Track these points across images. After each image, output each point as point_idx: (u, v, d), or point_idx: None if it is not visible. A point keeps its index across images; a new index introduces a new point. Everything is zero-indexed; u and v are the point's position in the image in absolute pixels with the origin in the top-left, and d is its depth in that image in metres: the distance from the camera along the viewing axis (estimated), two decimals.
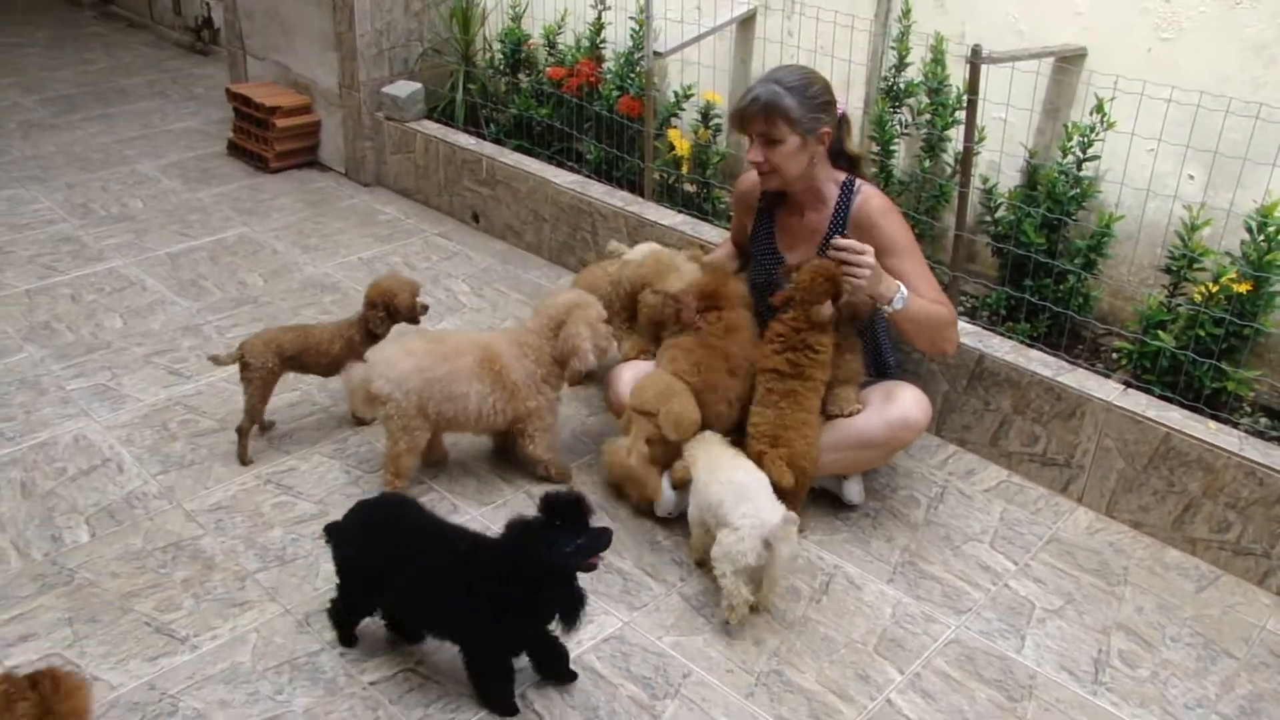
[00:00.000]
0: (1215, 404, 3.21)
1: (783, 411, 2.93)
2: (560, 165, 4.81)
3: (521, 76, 5.15)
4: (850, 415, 2.95)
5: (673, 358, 3.07)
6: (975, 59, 3.23)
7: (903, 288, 2.83)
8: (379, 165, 5.40)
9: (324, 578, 2.82)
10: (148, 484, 3.17)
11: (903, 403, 3.01)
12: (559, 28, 5.03)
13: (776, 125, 2.92)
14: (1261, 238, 3.15)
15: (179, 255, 4.60)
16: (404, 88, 5.14)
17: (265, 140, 5.46)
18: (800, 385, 2.94)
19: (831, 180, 3.10)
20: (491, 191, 4.87)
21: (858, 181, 3.10)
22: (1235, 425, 3.18)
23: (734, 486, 2.70)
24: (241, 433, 3.27)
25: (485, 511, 3.12)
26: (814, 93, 2.96)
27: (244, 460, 3.28)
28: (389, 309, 3.33)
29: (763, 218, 3.27)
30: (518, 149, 4.97)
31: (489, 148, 4.94)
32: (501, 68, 5.21)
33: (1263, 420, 3.29)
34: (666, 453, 3.03)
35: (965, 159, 3.43)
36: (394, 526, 2.45)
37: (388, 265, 4.59)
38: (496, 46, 5.29)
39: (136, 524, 3.01)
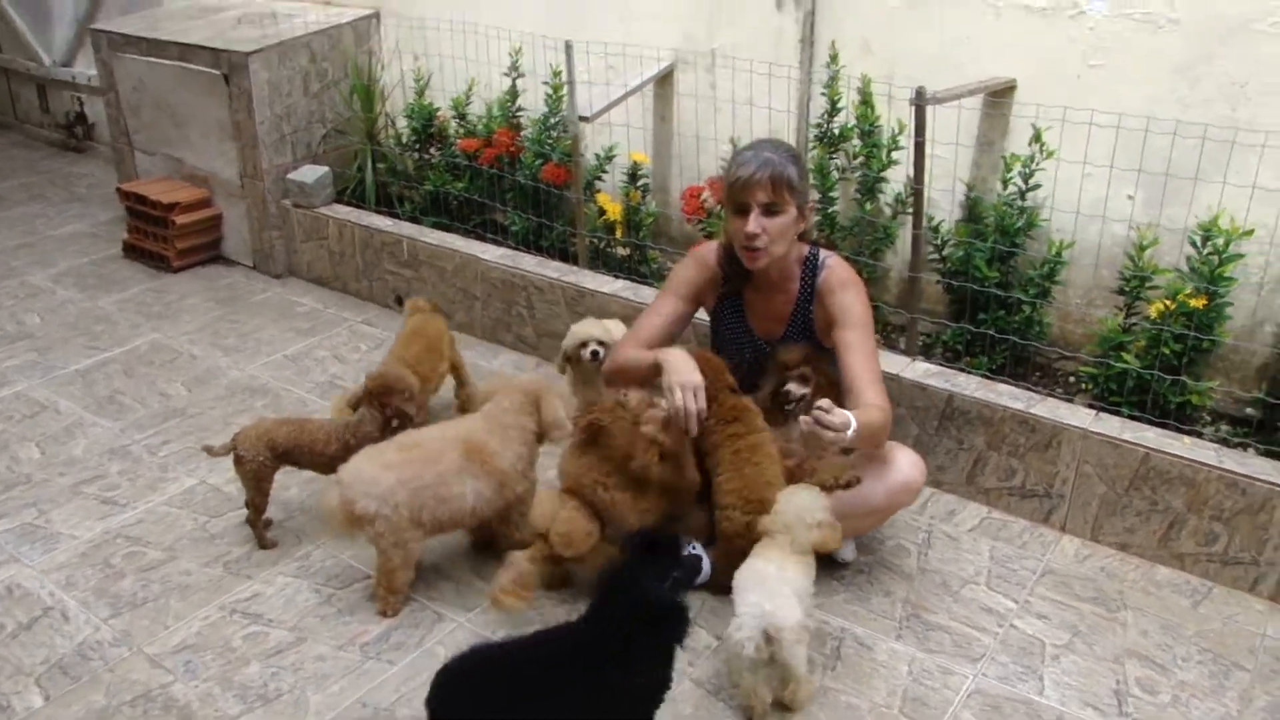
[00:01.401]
0: (1179, 417, 3.28)
1: (758, 468, 2.90)
2: (481, 239, 4.73)
3: (433, 151, 5.06)
4: (849, 487, 2.89)
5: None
6: (920, 100, 3.28)
7: (851, 419, 2.69)
8: (290, 255, 5.24)
9: (315, 712, 2.66)
10: (100, 631, 2.96)
11: (900, 467, 3.01)
12: (467, 98, 4.96)
13: (782, 194, 2.90)
14: (1208, 251, 3.25)
15: (90, 371, 4.37)
16: (310, 172, 5.01)
17: (165, 239, 5.25)
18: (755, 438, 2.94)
19: (796, 256, 3.10)
20: (415, 273, 4.76)
21: (821, 253, 3.11)
22: (1200, 435, 3.26)
23: (752, 574, 2.63)
24: (252, 524, 3.27)
25: (471, 616, 3.00)
26: (803, 164, 2.99)
27: (264, 545, 3.28)
28: (396, 412, 3.30)
29: (731, 299, 3.22)
30: (435, 226, 4.87)
31: (407, 227, 4.84)
32: (410, 144, 5.12)
33: (1224, 427, 3.39)
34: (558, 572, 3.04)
35: (917, 200, 3.47)
36: (499, 674, 2.33)
37: (315, 361, 4.44)
38: (403, 122, 5.20)
39: (96, 678, 2.80)
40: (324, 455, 3.20)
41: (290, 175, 5.05)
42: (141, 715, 2.67)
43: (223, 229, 5.40)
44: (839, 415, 2.64)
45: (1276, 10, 3.15)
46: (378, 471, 2.89)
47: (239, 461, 3.18)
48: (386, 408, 3.28)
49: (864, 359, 2.95)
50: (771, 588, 2.55)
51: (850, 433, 2.67)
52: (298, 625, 2.97)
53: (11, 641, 2.92)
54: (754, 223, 2.91)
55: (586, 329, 3.55)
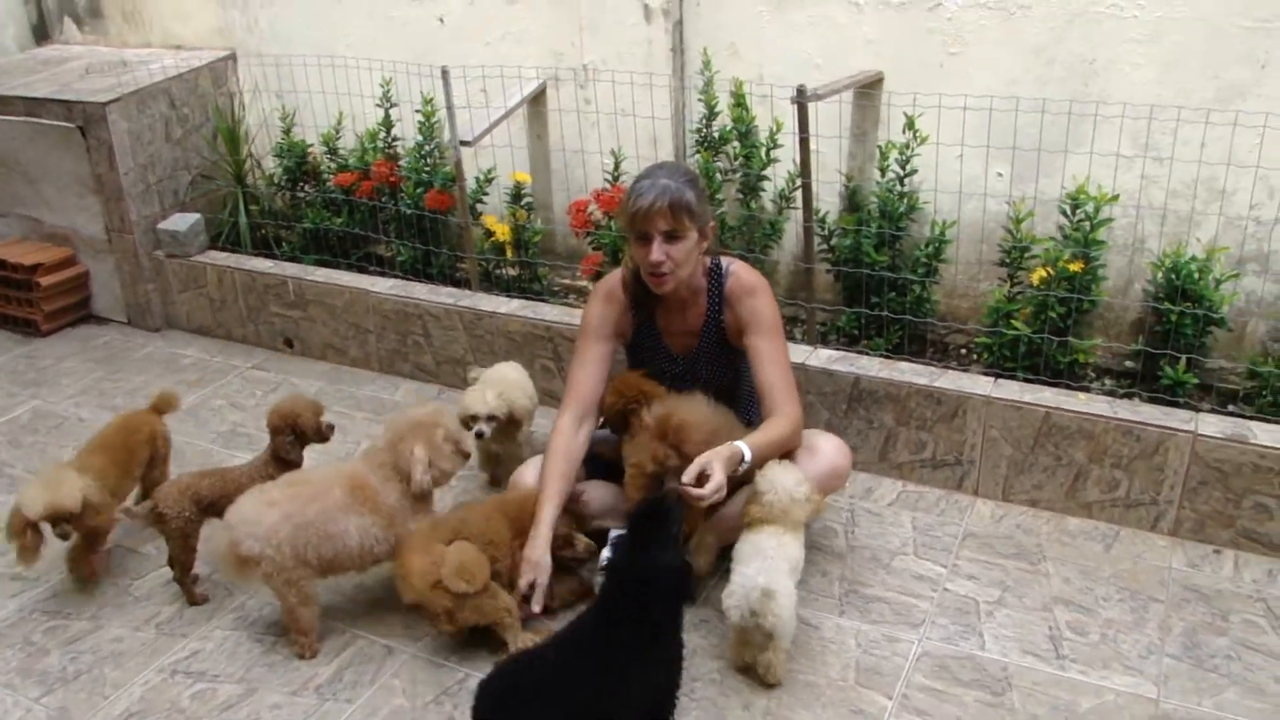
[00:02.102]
0: (1070, 376, 3.51)
1: None
2: (364, 272, 4.69)
3: (307, 188, 4.99)
4: None
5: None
6: (801, 98, 3.42)
7: (745, 450, 2.82)
8: (167, 307, 5.08)
9: None
10: (32, 712, 2.83)
11: (826, 453, 3.11)
12: (337, 132, 4.91)
13: (682, 221, 2.94)
14: (1079, 218, 3.48)
15: None
16: (182, 220, 4.87)
17: (30, 302, 5.02)
18: None
19: (702, 270, 3.16)
20: (303, 312, 4.68)
21: (724, 261, 3.19)
22: (1089, 390, 3.49)
23: (750, 547, 2.77)
24: (180, 582, 3.19)
25: (420, 648, 2.98)
26: (701, 185, 3.05)
27: (194, 601, 3.20)
28: (296, 432, 3.20)
29: (644, 324, 3.27)
30: (318, 264, 4.80)
31: (290, 267, 4.75)
32: (281, 183, 5.03)
33: (1108, 382, 3.63)
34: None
35: (805, 193, 3.61)
36: (541, 675, 2.43)
37: (212, 411, 4.32)
38: (272, 162, 5.11)
39: None
40: None
41: (161, 225, 4.90)
42: None
43: (91, 287, 5.19)
44: (713, 482, 2.69)
45: None
46: (261, 510, 2.86)
47: (162, 520, 3.09)
48: (301, 436, 3.24)
49: (776, 367, 3.05)
50: (769, 561, 2.70)
51: (744, 466, 2.82)
52: (245, 677, 2.90)
53: None
54: (657, 251, 2.96)
55: (470, 402, 3.46)
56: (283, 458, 3.22)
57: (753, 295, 3.11)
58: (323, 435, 3.27)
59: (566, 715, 2.37)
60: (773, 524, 2.82)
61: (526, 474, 3.22)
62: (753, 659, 2.76)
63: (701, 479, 2.71)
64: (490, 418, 3.45)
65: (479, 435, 3.43)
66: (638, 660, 2.41)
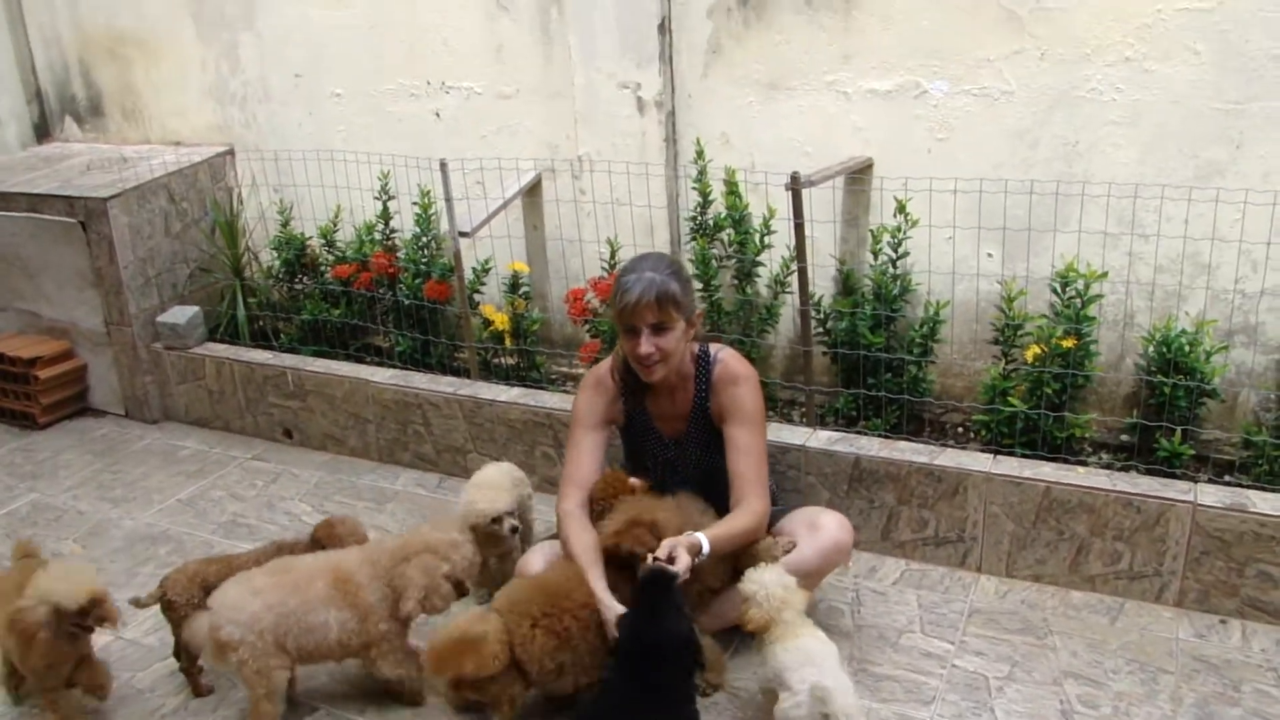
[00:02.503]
0: (1067, 450, 3.58)
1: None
2: (362, 362, 4.77)
3: (305, 280, 5.09)
4: (788, 553, 3.07)
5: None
6: (796, 184, 3.55)
7: (704, 545, 2.89)
8: (165, 399, 5.13)
9: None
10: None
11: (829, 529, 3.18)
12: (335, 225, 5.03)
13: (669, 313, 3.04)
14: (1070, 295, 3.59)
15: None
16: (181, 313, 4.95)
17: (29, 395, 5.07)
18: None
19: (690, 356, 3.26)
20: (303, 403, 4.74)
21: (712, 349, 3.29)
22: (1086, 464, 3.56)
23: (801, 653, 2.72)
24: (186, 672, 3.21)
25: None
26: (686, 275, 3.16)
27: (200, 693, 3.21)
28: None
29: (636, 410, 3.36)
30: (316, 355, 4.88)
31: (289, 358, 4.82)
32: (279, 275, 5.13)
33: (1104, 455, 3.70)
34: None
35: (801, 278, 3.71)
36: None
37: (212, 502, 4.35)
38: (269, 255, 5.22)
39: None
40: None
41: (160, 318, 4.98)
42: None
43: (88, 379, 5.25)
44: (680, 564, 2.77)
45: (1083, 80, 3.57)
46: (244, 597, 2.88)
47: (170, 608, 3.11)
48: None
49: (749, 458, 3.14)
50: (823, 664, 2.67)
51: (701, 558, 2.88)
52: None
53: None
54: (645, 344, 3.07)
55: (492, 502, 3.37)
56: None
57: (736, 384, 3.20)
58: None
59: None
60: (782, 623, 2.81)
61: (533, 560, 3.25)
62: None
63: (670, 560, 2.79)
64: (511, 513, 3.40)
65: (514, 531, 3.39)
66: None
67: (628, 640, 2.60)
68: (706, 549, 2.90)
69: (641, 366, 3.14)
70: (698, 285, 4.19)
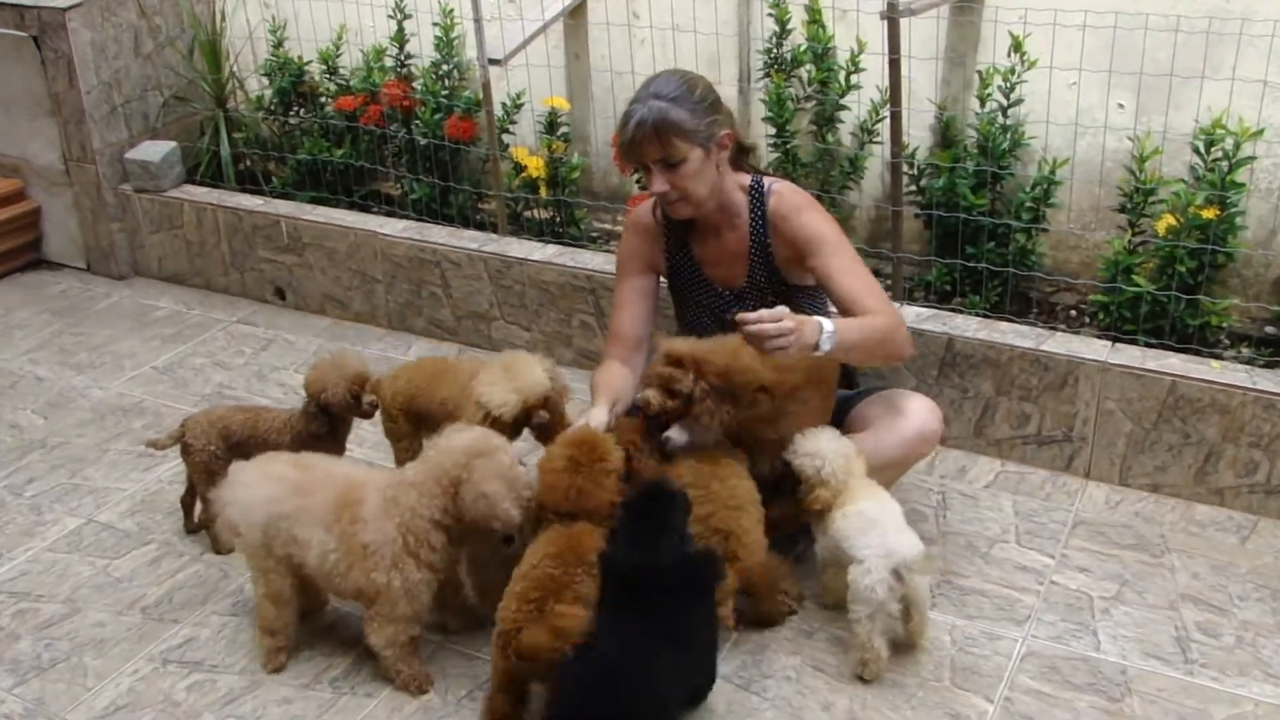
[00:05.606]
0: (1200, 341, 3.61)
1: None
2: (368, 211, 4.82)
3: (303, 114, 5.11)
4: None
5: None
6: (893, 13, 3.53)
7: (825, 324, 2.83)
8: (135, 251, 5.22)
9: None
10: (6, 703, 2.97)
11: (915, 414, 3.21)
12: (337, 48, 5.03)
13: (672, 144, 3.03)
14: (1217, 156, 3.57)
15: None
16: (154, 149, 5.01)
17: None
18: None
19: (737, 187, 3.27)
20: (299, 258, 4.82)
21: (765, 180, 3.29)
22: (1220, 358, 3.59)
23: (860, 518, 2.89)
24: (185, 505, 3.51)
25: (449, 637, 3.11)
26: (700, 95, 3.12)
27: (192, 529, 3.52)
28: (320, 405, 3.34)
29: (678, 251, 3.40)
30: (314, 201, 4.93)
31: (284, 206, 4.89)
32: (271, 107, 5.16)
33: (1244, 349, 3.73)
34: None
35: (895, 124, 3.72)
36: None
37: (193, 370, 4.47)
38: (256, 83, 5.23)
39: None
40: (277, 447, 3.30)
41: (129, 155, 5.04)
42: None
43: (42, 225, 5.35)
44: (789, 320, 2.73)
45: None
46: (259, 481, 2.93)
47: (187, 451, 3.35)
48: (326, 410, 3.36)
49: (853, 278, 3.10)
50: (886, 525, 2.86)
51: (826, 342, 2.81)
52: (248, 667, 3.04)
53: None
54: (658, 182, 3.09)
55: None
56: (320, 426, 3.38)
57: (800, 212, 3.19)
58: (361, 411, 3.38)
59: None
60: (850, 492, 2.96)
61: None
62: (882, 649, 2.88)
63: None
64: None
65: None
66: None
67: (608, 570, 2.62)
68: (829, 336, 2.81)
69: (666, 205, 3.19)
70: (769, 130, 4.20)
